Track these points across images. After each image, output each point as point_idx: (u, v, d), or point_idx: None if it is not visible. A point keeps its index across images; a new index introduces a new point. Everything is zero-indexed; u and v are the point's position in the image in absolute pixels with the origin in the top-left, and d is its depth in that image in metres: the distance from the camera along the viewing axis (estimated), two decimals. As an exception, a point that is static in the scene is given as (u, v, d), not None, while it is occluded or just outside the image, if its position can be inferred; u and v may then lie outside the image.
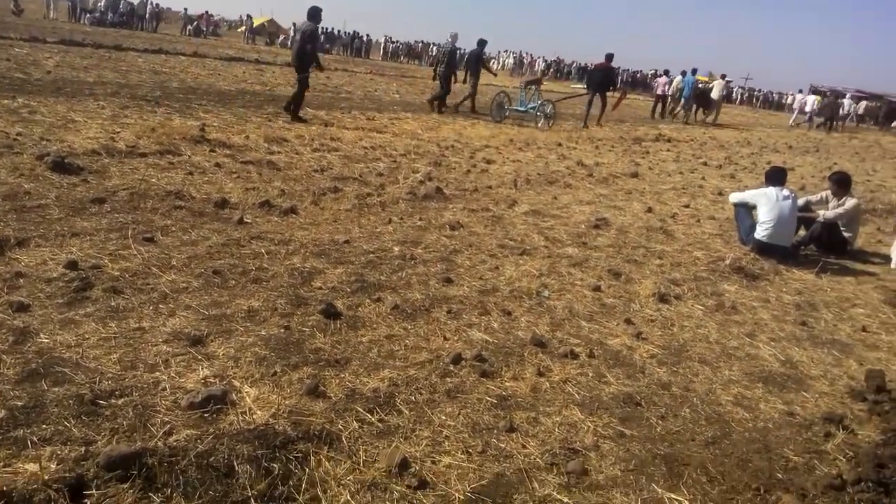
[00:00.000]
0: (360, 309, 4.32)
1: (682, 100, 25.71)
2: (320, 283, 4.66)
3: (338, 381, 3.40)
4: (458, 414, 3.27)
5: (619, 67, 25.82)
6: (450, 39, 17.03)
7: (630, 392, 3.73)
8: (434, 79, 13.52)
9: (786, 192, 7.01)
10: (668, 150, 15.67)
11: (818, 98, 34.94)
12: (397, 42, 54.61)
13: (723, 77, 29.02)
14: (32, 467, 2.38)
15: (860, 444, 3.51)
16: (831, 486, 3.05)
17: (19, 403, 2.80)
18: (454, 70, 16.94)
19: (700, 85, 26.45)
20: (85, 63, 16.11)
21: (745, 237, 7.19)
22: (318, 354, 3.65)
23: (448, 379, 3.58)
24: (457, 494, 2.69)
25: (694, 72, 25.25)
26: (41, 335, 3.39)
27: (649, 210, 8.55)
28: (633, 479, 2.97)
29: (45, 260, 4.34)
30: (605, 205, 8.67)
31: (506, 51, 60.18)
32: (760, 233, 6.86)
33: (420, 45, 54.21)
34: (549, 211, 7.78)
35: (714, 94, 26.93)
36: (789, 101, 55.84)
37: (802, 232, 7.53)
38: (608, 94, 19.09)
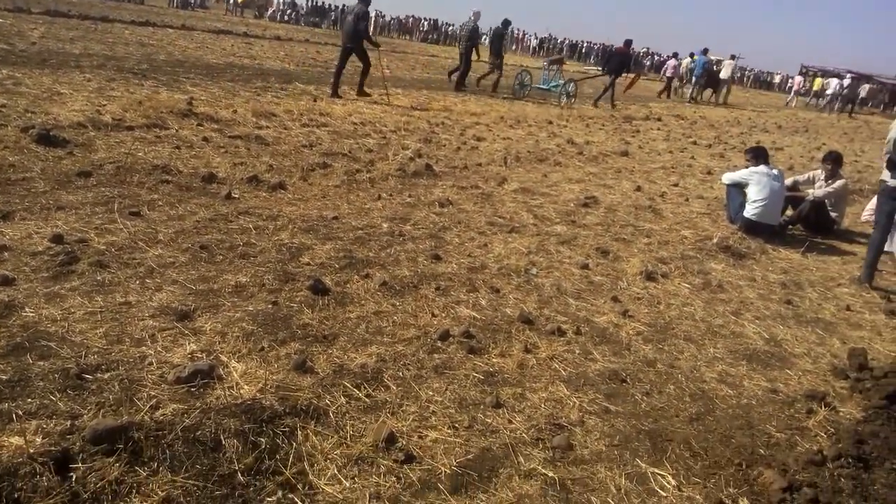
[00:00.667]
0: (348, 285, 4.32)
1: (693, 79, 26.20)
2: (308, 258, 4.65)
3: (325, 356, 3.41)
4: (446, 390, 3.29)
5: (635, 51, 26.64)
6: (472, 17, 17.23)
7: (616, 369, 3.76)
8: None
9: (775, 170, 7.03)
10: (659, 129, 15.66)
11: (808, 78, 35.43)
12: (387, 17, 53.99)
13: (733, 57, 29.25)
14: (17, 441, 2.37)
15: (841, 421, 3.57)
16: (812, 462, 3.09)
17: (4, 377, 2.79)
18: (475, 47, 17.22)
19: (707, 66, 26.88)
20: (71, 34, 15.84)
21: (734, 216, 7.22)
22: (306, 330, 3.65)
23: (436, 355, 3.60)
24: (443, 468, 2.71)
25: (705, 52, 25.75)
26: (26, 309, 3.36)
27: (638, 189, 8.56)
28: (617, 455, 3.00)
29: (30, 233, 4.30)
30: (595, 183, 8.67)
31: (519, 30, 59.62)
32: (750, 211, 6.89)
33: (411, 19, 53.58)
34: (538, 189, 7.78)
35: (723, 75, 27.26)
36: (777, 80, 55.94)
37: (790, 212, 7.57)
38: (623, 75, 20.19)
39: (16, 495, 2.17)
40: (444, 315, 4.12)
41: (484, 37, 17.85)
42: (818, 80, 40.16)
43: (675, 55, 28.78)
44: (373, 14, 13.75)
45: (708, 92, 27.28)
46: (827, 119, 28.08)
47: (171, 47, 16.92)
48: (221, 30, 25.75)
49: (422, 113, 12.21)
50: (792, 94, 37.45)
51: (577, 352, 3.92)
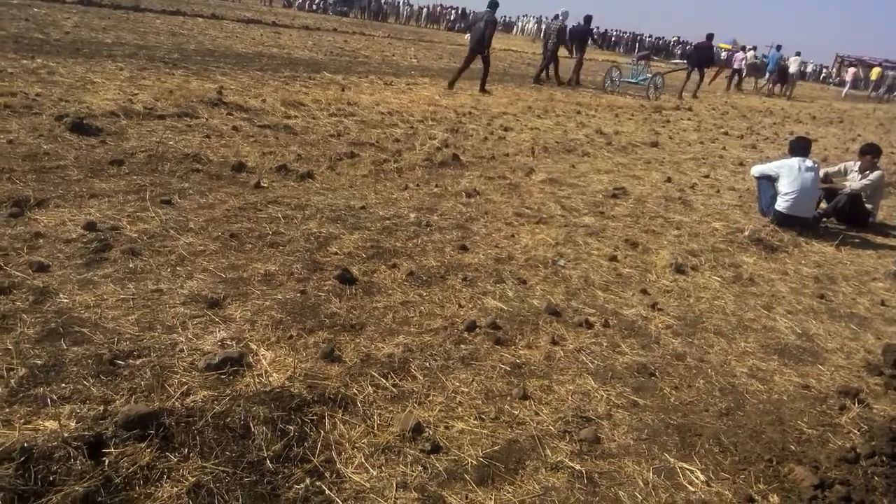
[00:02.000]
0: (375, 275, 4.33)
1: (767, 73, 28.04)
2: (336, 248, 4.67)
3: (353, 345, 3.43)
4: (472, 380, 3.29)
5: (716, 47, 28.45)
6: (561, 16, 18.13)
7: (644, 362, 3.73)
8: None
9: (808, 162, 6.88)
10: (689, 120, 15.44)
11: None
12: (416, 5, 53.86)
13: (798, 54, 30.46)
14: (52, 424, 2.42)
15: (875, 418, 3.50)
16: (845, 459, 3.04)
17: (39, 362, 2.84)
18: (563, 44, 18.25)
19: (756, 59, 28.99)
20: (103, 24, 16.05)
21: (765, 209, 7.10)
22: (334, 319, 3.66)
23: (462, 346, 3.60)
24: (469, 459, 2.71)
25: (778, 48, 27.66)
26: (60, 295, 3.43)
27: (668, 180, 8.46)
28: (645, 449, 2.98)
29: (63, 220, 4.37)
30: (624, 174, 8.59)
31: (525, 15, 59.29)
32: (781, 204, 6.77)
33: (439, 8, 53.38)
34: (566, 180, 7.72)
35: (791, 69, 28.56)
36: (808, 70, 54.91)
37: (824, 204, 7.42)
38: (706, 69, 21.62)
39: (51, 477, 2.21)
40: (470, 306, 4.11)
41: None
42: (876, 70, 39.75)
43: (744, 48, 30.63)
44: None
45: (777, 87, 28.55)
46: (862, 110, 27.49)
47: (201, 36, 17.06)
48: (250, 19, 25.91)
49: (449, 103, 12.16)
50: (847, 85, 37.14)
51: (605, 344, 3.89)
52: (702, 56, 20.70)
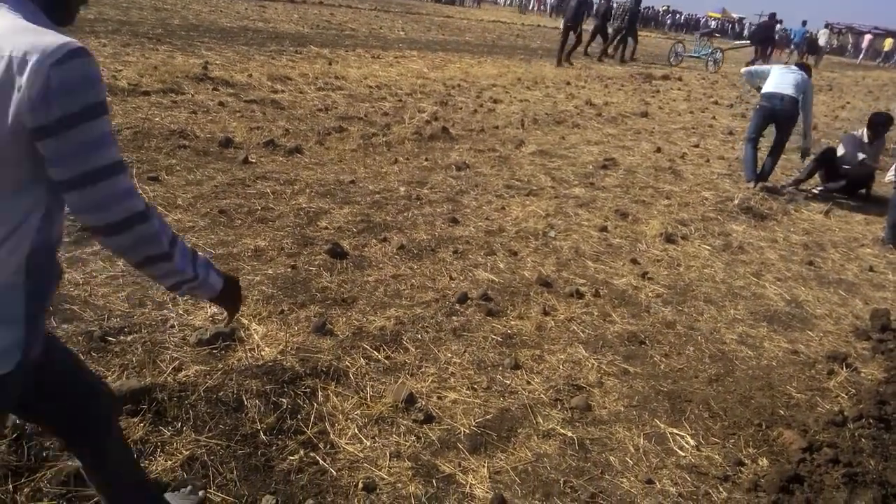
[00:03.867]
0: (366, 249, 4.33)
1: (792, 46, 29.95)
2: (326, 222, 4.65)
3: (345, 319, 3.43)
4: (464, 351, 3.30)
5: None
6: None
7: (635, 331, 3.76)
8: (573, 28, 16.35)
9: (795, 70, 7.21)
10: (679, 90, 15.38)
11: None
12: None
13: (827, 26, 32.01)
14: (45, 401, 2.42)
15: (863, 382, 3.55)
16: (833, 423, 3.09)
17: (30, 340, 2.83)
18: (635, 25, 19.35)
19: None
20: None
21: (750, 175, 7.11)
22: (325, 293, 3.66)
23: (454, 318, 3.61)
24: (462, 428, 2.73)
25: (804, 23, 29.46)
26: (49, 273, 3.40)
27: (658, 150, 8.46)
28: (636, 415, 3.01)
29: (50, 199, 4.33)
30: (614, 145, 8.57)
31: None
32: (763, 92, 7.19)
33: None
34: (556, 151, 7.70)
35: (821, 42, 30.38)
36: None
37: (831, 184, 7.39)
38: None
39: (44, 454, 2.22)
40: (462, 278, 4.12)
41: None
42: (888, 41, 40.09)
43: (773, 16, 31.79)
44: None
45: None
46: (851, 77, 27.47)
47: (184, 11, 16.79)
48: (235, -7, 25.47)
49: (437, 75, 12.07)
50: (862, 53, 37.40)
51: (596, 314, 3.91)
52: (763, 35, 22.63)
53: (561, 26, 17.37)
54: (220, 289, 1.56)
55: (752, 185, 6.97)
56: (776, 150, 7.20)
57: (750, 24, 51.70)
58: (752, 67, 7.76)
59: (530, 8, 50.40)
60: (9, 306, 1.28)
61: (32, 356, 1.35)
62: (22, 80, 1.14)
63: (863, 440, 2.98)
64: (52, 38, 1.18)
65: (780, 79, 7.09)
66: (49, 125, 1.17)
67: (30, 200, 1.26)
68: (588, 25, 18.71)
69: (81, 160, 1.21)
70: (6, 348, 1.28)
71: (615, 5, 19.99)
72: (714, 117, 11.85)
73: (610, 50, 19.61)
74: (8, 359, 1.29)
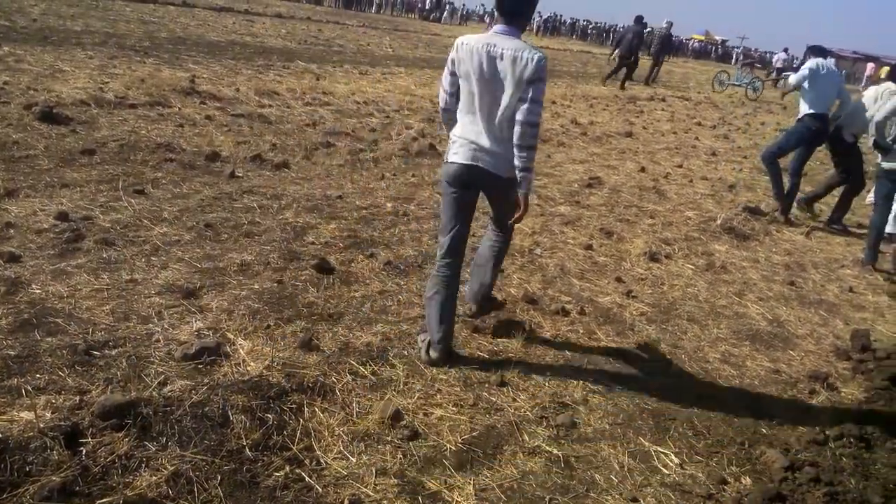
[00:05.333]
0: (353, 264, 4.33)
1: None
2: (313, 238, 4.65)
3: (331, 334, 3.43)
4: (450, 368, 3.30)
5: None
6: (665, 26, 21.22)
7: (619, 349, 3.78)
8: (628, 58, 18.40)
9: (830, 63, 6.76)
10: (663, 110, 15.58)
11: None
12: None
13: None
14: (27, 415, 2.40)
15: (844, 402, 3.59)
16: (814, 442, 3.12)
17: (12, 353, 2.81)
18: (668, 51, 21.92)
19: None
20: (71, 11, 15.71)
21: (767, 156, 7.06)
22: (312, 308, 3.66)
23: (440, 334, 3.60)
24: (448, 445, 2.74)
25: (785, 50, 32.03)
26: (33, 286, 3.38)
27: (642, 170, 8.55)
28: (620, 433, 3.03)
29: (35, 211, 4.30)
30: (599, 164, 8.65)
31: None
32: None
33: (413, -4, 52.92)
34: (541, 169, 7.75)
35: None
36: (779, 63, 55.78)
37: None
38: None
39: (27, 468, 2.19)
40: (448, 294, 4.12)
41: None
42: (884, 69, 40.78)
43: (786, 50, 34.13)
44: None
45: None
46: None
47: (172, 24, 16.79)
48: (223, 7, 25.52)
49: (425, 92, 12.14)
50: (864, 80, 37.14)
51: (581, 331, 3.94)
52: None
53: (613, 55, 19.71)
54: (531, 189, 3.15)
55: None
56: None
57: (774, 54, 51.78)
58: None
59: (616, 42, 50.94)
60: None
61: None
62: (526, 64, 2.89)
63: (844, 459, 3.01)
64: (531, 49, 2.94)
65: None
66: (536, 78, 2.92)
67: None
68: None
69: (538, 93, 2.93)
70: None
71: (665, 34, 21.61)
72: (697, 138, 12.00)
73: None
74: None
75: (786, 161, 7.19)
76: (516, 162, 2.99)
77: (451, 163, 3.17)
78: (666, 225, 6.27)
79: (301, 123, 8.09)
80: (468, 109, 3.11)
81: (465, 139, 3.13)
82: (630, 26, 18.57)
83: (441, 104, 3.28)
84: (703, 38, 53.15)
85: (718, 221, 6.47)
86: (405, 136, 8.21)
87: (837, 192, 7.28)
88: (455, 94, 3.18)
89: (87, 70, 8.88)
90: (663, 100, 17.61)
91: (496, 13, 3.07)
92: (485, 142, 3.08)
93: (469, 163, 3.12)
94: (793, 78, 6.94)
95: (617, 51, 19.06)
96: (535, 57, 2.88)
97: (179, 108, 7.69)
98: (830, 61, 6.79)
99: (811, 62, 6.69)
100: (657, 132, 12.12)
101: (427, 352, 3.30)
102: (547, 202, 6.45)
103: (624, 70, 18.68)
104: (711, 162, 9.88)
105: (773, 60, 34.38)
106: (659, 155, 9.93)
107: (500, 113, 3.01)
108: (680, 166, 9.23)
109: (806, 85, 6.61)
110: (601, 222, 6.03)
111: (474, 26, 47.77)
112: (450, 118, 3.27)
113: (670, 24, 21.26)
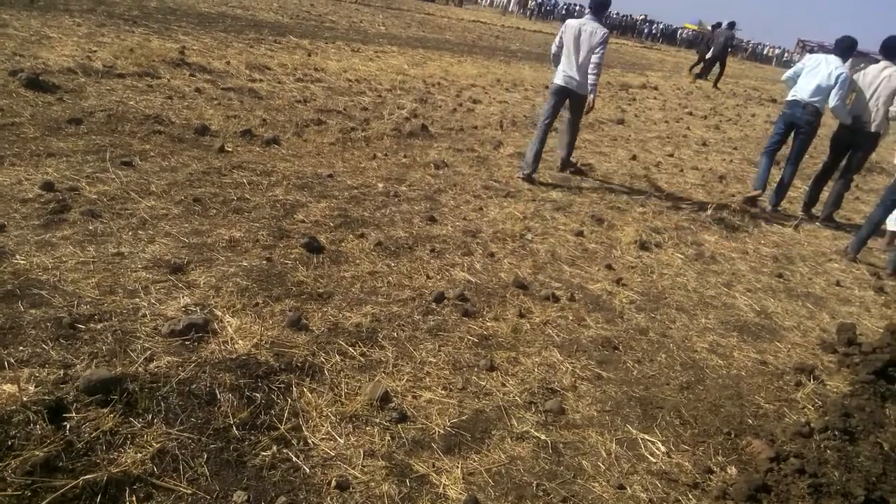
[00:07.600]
0: (343, 244, 4.29)
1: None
2: (303, 216, 4.60)
3: (320, 314, 3.40)
4: (440, 351, 3.29)
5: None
6: (727, 26, 20.92)
7: (608, 336, 3.78)
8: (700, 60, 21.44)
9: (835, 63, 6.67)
10: (655, 99, 15.55)
11: None
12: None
13: (799, 44, 32.44)
14: (10, 388, 2.35)
15: (829, 394, 3.62)
16: (799, 433, 3.14)
17: (-4, 324, 2.75)
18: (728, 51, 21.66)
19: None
20: (58, -23, 15.39)
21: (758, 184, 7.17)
22: (301, 287, 3.62)
23: (430, 317, 3.59)
24: (436, 428, 2.72)
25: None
26: (17, 256, 3.31)
27: (634, 158, 8.54)
28: (608, 420, 3.03)
29: (20, 180, 4.22)
30: (591, 150, 8.63)
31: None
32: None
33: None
34: (534, 153, 7.70)
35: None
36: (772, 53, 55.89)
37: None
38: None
39: (9, 442, 2.16)
40: (438, 277, 4.10)
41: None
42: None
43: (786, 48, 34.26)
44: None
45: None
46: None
47: (162, -6, 16.49)
48: (214, -21, 25.09)
49: (417, 72, 12.03)
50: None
51: (571, 318, 3.93)
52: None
53: (699, 56, 22.13)
54: (596, 94, 6.33)
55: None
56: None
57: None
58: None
59: (510, 10, 50.45)
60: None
61: None
62: (596, 34, 6.12)
63: (828, 451, 3.03)
64: (601, 28, 6.16)
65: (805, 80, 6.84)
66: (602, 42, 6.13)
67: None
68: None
69: (601, 49, 6.10)
70: None
71: (731, 34, 21.73)
72: (688, 128, 12.00)
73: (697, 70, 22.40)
74: None
75: (785, 162, 7.21)
76: (590, 79, 6.13)
77: (555, 83, 6.42)
78: (656, 213, 6.26)
79: (292, 99, 7.99)
80: (567, 56, 6.24)
81: (563, 72, 6.32)
82: (723, 30, 20.28)
83: (553, 51, 6.39)
84: (695, 27, 53.08)
85: (708, 212, 6.48)
86: (397, 117, 8.14)
87: (828, 188, 7.31)
88: (561, 48, 6.29)
89: (75, 37, 8.71)
90: (655, 88, 17.57)
91: (587, 7, 6.29)
92: (574, 74, 6.23)
93: (564, 84, 6.35)
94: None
95: (709, 52, 20.76)
96: (601, 32, 6.09)
97: (169, 80, 7.56)
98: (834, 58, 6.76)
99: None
100: (649, 120, 12.10)
101: (520, 174, 6.47)
102: (538, 187, 6.42)
103: (717, 68, 20.49)
104: (702, 152, 9.89)
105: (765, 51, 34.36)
106: (650, 143, 9.91)
107: (581, 59, 6.14)
108: (671, 155, 9.22)
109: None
110: (592, 209, 6.01)
111: (469, 7, 47.34)
112: (556, 60, 6.40)
113: (732, 24, 20.98)
